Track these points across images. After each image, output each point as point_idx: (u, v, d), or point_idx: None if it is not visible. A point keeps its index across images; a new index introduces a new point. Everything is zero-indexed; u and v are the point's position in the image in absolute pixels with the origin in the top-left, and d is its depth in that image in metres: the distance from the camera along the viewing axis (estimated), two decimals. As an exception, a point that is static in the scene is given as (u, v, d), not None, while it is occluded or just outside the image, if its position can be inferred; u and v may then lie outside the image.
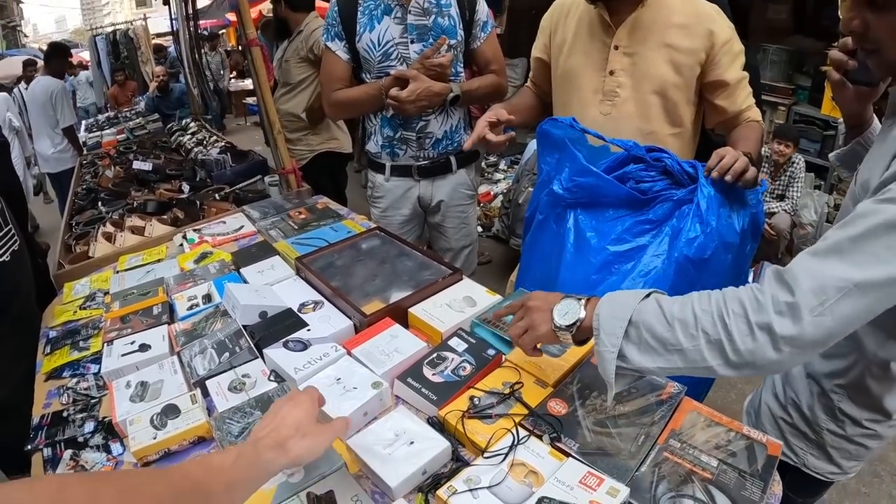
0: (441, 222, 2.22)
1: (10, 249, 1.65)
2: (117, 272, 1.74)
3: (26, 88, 5.42)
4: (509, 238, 3.98)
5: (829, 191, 4.04)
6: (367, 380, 1.13)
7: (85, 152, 3.78)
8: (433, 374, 1.16)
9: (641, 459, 0.94)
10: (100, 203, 2.42)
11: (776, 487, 0.92)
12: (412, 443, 0.99)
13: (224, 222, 1.99)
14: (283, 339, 1.24)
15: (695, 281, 1.29)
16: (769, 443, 0.97)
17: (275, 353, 1.21)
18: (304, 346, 1.23)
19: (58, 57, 4.93)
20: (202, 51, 3.49)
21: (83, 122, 5.00)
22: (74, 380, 1.31)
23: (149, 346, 1.31)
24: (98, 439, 1.13)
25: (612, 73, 1.56)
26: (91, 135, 4.06)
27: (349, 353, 1.23)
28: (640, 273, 1.37)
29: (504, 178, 5.13)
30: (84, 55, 10.77)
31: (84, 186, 2.78)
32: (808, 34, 4.19)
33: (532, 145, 4.01)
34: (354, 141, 3.62)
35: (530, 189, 3.74)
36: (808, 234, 3.78)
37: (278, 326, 1.30)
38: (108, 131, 3.95)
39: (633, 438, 0.98)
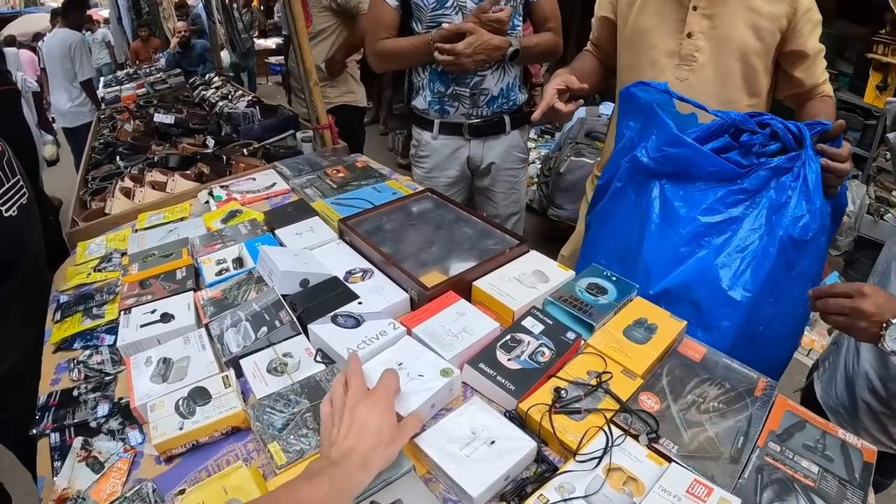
0: (490, 186, 2.03)
1: (18, 203, 1.48)
2: (136, 231, 1.55)
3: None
4: (547, 208, 3.77)
5: (867, 181, 3.83)
6: (434, 365, 0.94)
7: (103, 107, 3.60)
8: (508, 360, 0.98)
9: (743, 464, 0.82)
10: (118, 157, 2.23)
11: (870, 496, 0.83)
12: (493, 442, 0.83)
13: (254, 179, 1.79)
14: (331, 314, 1.05)
15: (793, 263, 1.21)
16: (864, 448, 0.88)
17: (322, 329, 1.02)
18: (356, 321, 1.03)
19: (75, 9, 4.74)
20: (233, 4, 3.27)
21: (101, 79, 4.79)
22: (87, 352, 1.13)
23: (172, 317, 1.12)
24: (113, 424, 0.96)
25: (689, 35, 1.44)
26: (109, 90, 3.86)
27: (409, 333, 1.04)
28: (737, 248, 1.22)
29: (535, 147, 4.88)
30: (104, 13, 10.57)
31: (101, 141, 2.59)
32: (853, 19, 3.92)
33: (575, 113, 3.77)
34: (369, 96, 3.44)
35: (573, 158, 3.56)
36: (845, 224, 3.56)
37: (323, 298, 1.11)
38: (127, 86, 3.75)
39: (732, 440, 0.86)
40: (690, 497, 0.75)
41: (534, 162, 4.43)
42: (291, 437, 0.85)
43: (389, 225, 1.40)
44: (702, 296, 1.22)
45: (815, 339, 2.94)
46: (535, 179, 4.08)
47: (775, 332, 1.27)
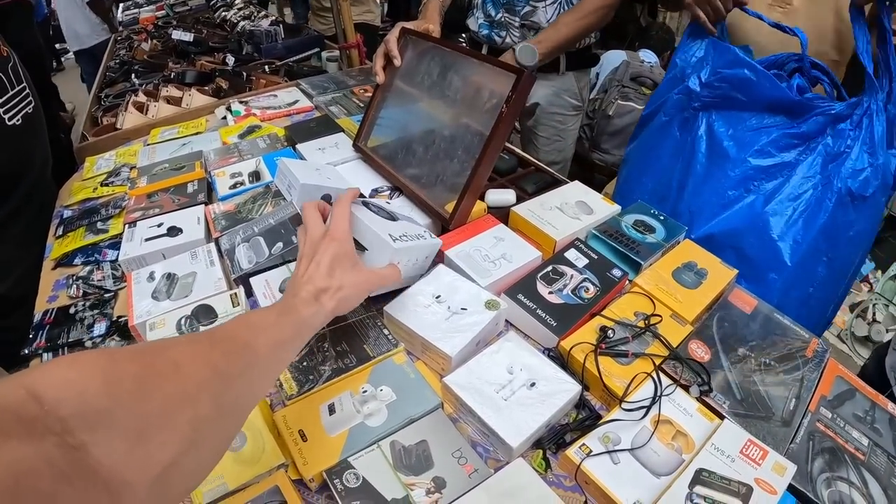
0: (533, 127, 1.84)
1: (24, 112, 1.36)
2: (147, 145, 1.43)
3: None
4: (591, 153, 3.57)
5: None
6: (477, 297, 0.82)
7: (120, 29, 3.44)
8: (549, 293, 0.86)
9: (795, 428, 0.75)
10: (133, 76, 2.10)
11: (913, 475, 0.77)
12: (533, 384, 0.72)
13: (275, 95, 1.65)
14: (362, 200, 0.88)
15: (851, 221, 1.12)
16: (908, 423, 0.80)
17: (357, 209, 0.79)
18: (390, 215, 0.88)
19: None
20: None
21: (121, 5, 4.59)
22: (87, 268, 1.03)
23: (179, 230, 1.01)
24: (110, 344, 0.86)
25: None
26: (128, 12, 3.69)
27: (442, 258, 0.91)
28: (789, 196, 1.12)
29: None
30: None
31: (117, 60, 2.46)
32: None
33: (612, 57, 3.55)
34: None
35: (620, 101, 3.35)
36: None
37: (346, 215, 0.98)
38: (146, 8, 3.59)
39: (784, 400, 0.78)
40: (744, 459, 0.67)
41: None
42: (305, 363, 0.74)
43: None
44: (749, 244, 1.13)
45: (837, 314, 2.76)
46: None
47: (824, 296, 1.17)
